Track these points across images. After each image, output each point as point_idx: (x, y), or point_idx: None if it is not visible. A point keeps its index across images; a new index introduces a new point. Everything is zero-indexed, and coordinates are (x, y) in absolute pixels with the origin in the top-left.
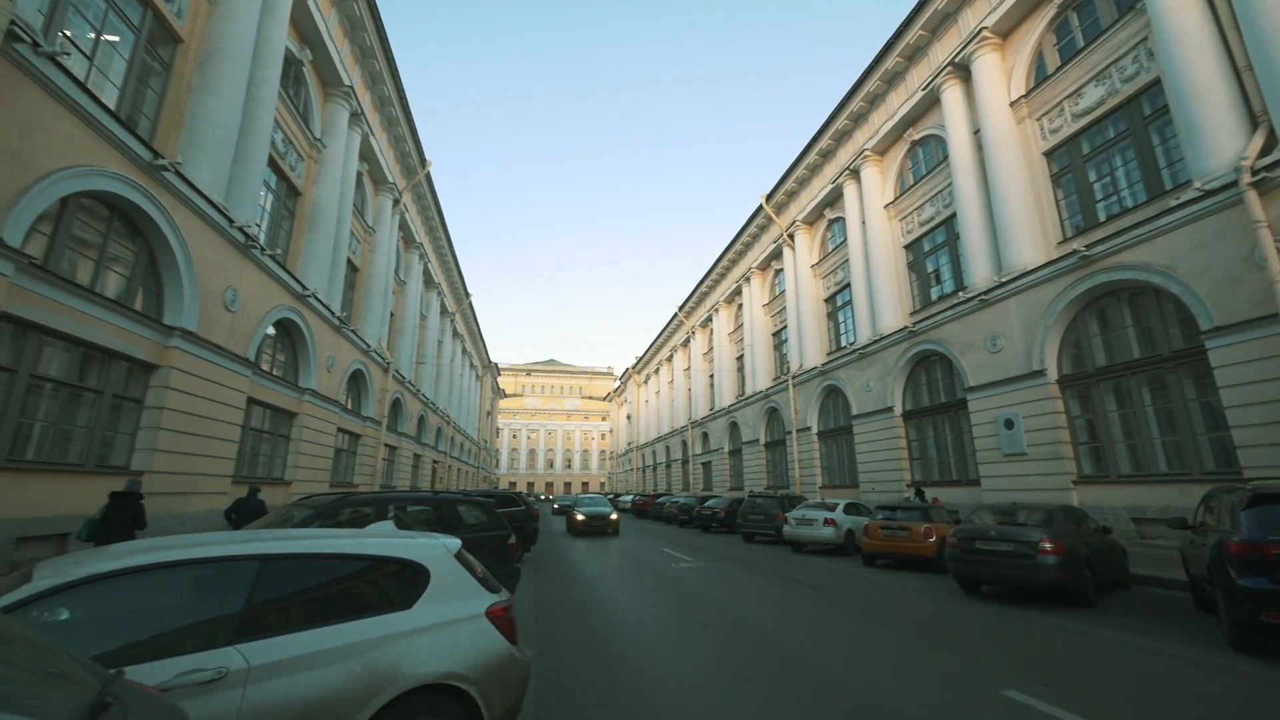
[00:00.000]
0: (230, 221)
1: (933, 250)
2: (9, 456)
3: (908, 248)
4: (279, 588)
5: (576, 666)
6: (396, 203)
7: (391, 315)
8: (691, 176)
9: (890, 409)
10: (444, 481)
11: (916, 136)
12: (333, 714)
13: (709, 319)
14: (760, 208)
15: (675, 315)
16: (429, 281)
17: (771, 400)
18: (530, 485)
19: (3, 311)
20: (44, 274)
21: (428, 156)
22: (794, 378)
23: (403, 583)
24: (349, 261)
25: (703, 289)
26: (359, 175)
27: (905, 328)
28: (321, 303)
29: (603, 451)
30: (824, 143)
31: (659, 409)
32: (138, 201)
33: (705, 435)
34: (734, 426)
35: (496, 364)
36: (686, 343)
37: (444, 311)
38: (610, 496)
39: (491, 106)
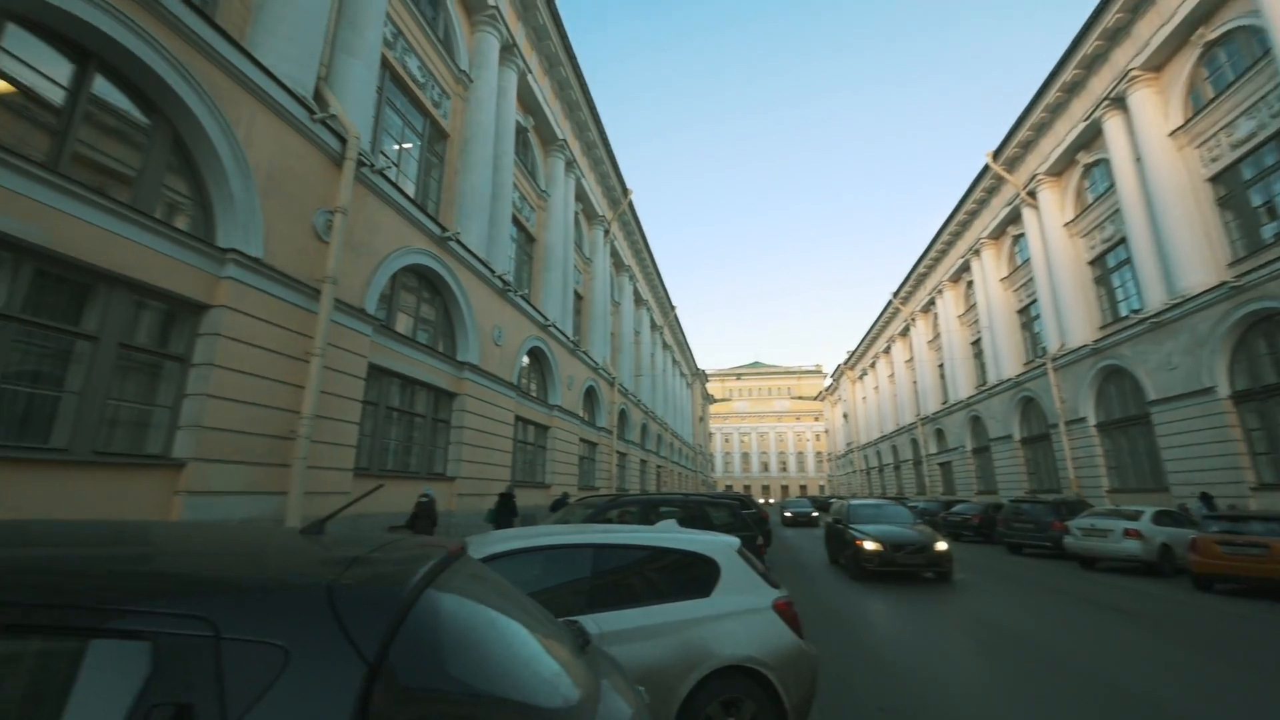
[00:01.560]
0: (492, 272)
1: (1259, 177)
2: (379, 467)
3: (1217, 179)
4: (608, 571)
5: (846, 671)
6: (606, 233)
7: (611, 335)
8: (889, 155)
9: (1210, 390)
10: (667, 484)
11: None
12: (660, 682)
13: (930, 303)
14: (985, 168)
15: (889, 303)
16: (639, 300)
17: (1025, 389)
18: (746, 488)
19: (370, 363)
20: (387, 331)
21: (628, 185)
22: (1054, 360)
23: (699, 574)
24: (575, 292)
25: (920, 271)
26: (575, 214)
27: (1223, 283)
28: (560, 331)
29: (818, 453)
30: (1069, 74)
31: (879, 405)
32: (436, 268)
33: (940, 432)
34: (976, 421)
35: (704, 371)
36: (905, 331)
37: (654, 326)
38: (829, 499)
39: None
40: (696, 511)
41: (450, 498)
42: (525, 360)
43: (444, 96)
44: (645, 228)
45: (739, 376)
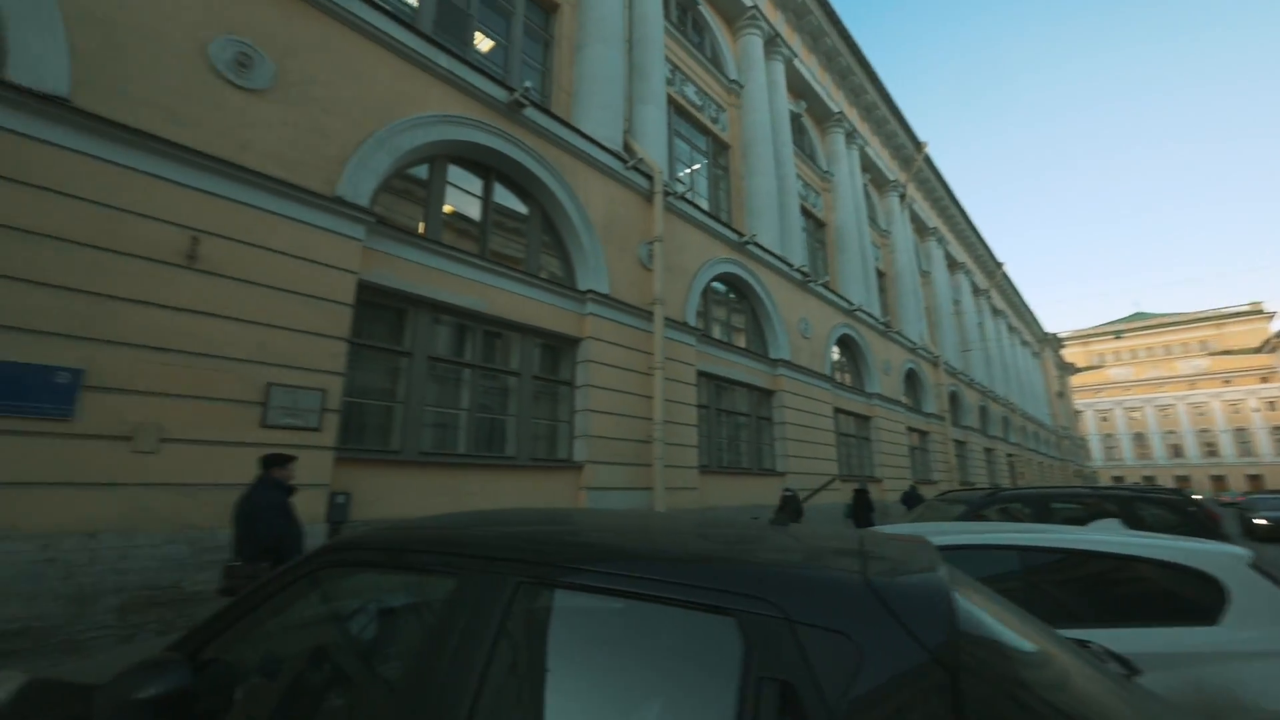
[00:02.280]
0: (790, 266)
1: None
2: (717, 464)
3: None
4: (1043, 580)
5: None
6: (902, 197)
7: (925, 310)
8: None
9: None
10: (1025, 476)
11: None
12: None
13: None
14: None
15: None
16: (952, 264)
17: None
18: (1146, 479)
19: (697, 370)
20: (707, 339)
21: (921, 137)
22: None
23: (1192, 594)
24: (876, 270)
25: None
26: (863, 187)
27: None
28: (866, 314)
29: (1278, 427)
30: None
31: None
32: (739, 273)
33: None
34: None
35: (1056, 335)
36: None
37: (976, 291)
38: None
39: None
40: (1119, 509)
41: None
42: (835, 350)
43: (720, 111)
44: (950, 182)
45: (1117, 335)
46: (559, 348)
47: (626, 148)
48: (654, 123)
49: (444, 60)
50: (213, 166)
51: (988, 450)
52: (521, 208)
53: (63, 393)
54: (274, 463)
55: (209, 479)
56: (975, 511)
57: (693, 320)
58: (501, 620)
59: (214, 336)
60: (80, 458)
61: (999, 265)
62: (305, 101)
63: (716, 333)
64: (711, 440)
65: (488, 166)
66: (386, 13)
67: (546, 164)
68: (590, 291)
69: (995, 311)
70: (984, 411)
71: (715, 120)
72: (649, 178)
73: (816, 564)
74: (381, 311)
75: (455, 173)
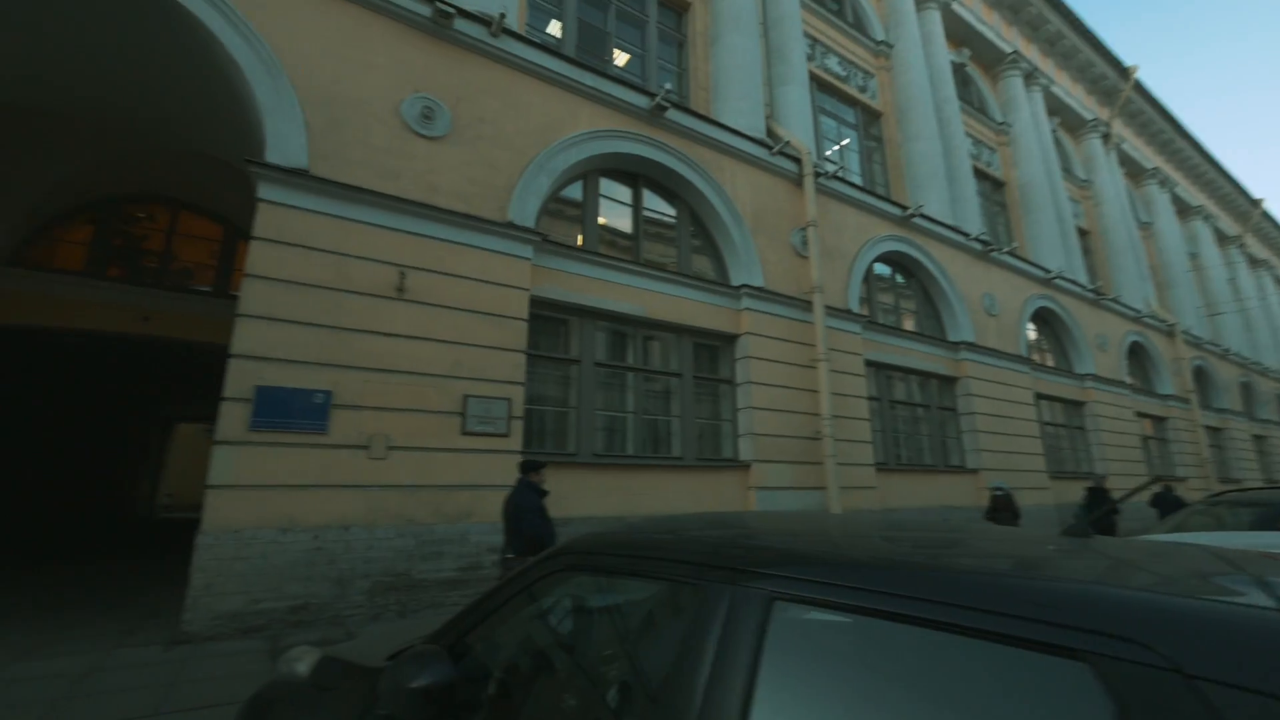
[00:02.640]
0: (965, 236)
1: None
2: (894, 461)
3: None
4: None
5: None
6: (1106, 138)
7: (1150, 269)
8: None
9: None
10: None
11: None
12: None
13: None
14: None
15: None
16: (1184, 209)
17: None
18: None
19: (865, 359)
20: (874, 326)
21: (1127, 62)
22: None
23: None
24: (1077, 229)
25: None
26: (1052, 133)
27: None
28: (1069, 280)
29: None
30: None
31: None
32: (905, 250)
33: None
34: None
35: None
36: None
37: (1222, 239)
38: None
39: None
40: None
41: (975, 492)
42: (1031, 327)
43: (867, 78)
44: (1173, 110)
45: None
46: (717, 346)
47: (770, 134)
48: (797, 103)
49: (589, 79)
50: (412, 210)
51: (1258, 438)
52: (670, 210)
53: (319, 411)
54: (530, 468)
55: (426, 480)
56: (1275, 517)
57: (856, 306)
58: (756, 642)
59: (421, 356)
60: (333, 464)
61: (1255, 203)
62: (476, 140)
63: (884, 317)
64: (886, 435)
65: (635, 174)
66: (537, 46)
67: (691, 162)
68: (744, 286)
69: (1254, 262)
70: (1247, 389)
71: (863, 89)
72: (796, 161)
73: (1212, 594)
74: (551, 323)
75: (606, 185)
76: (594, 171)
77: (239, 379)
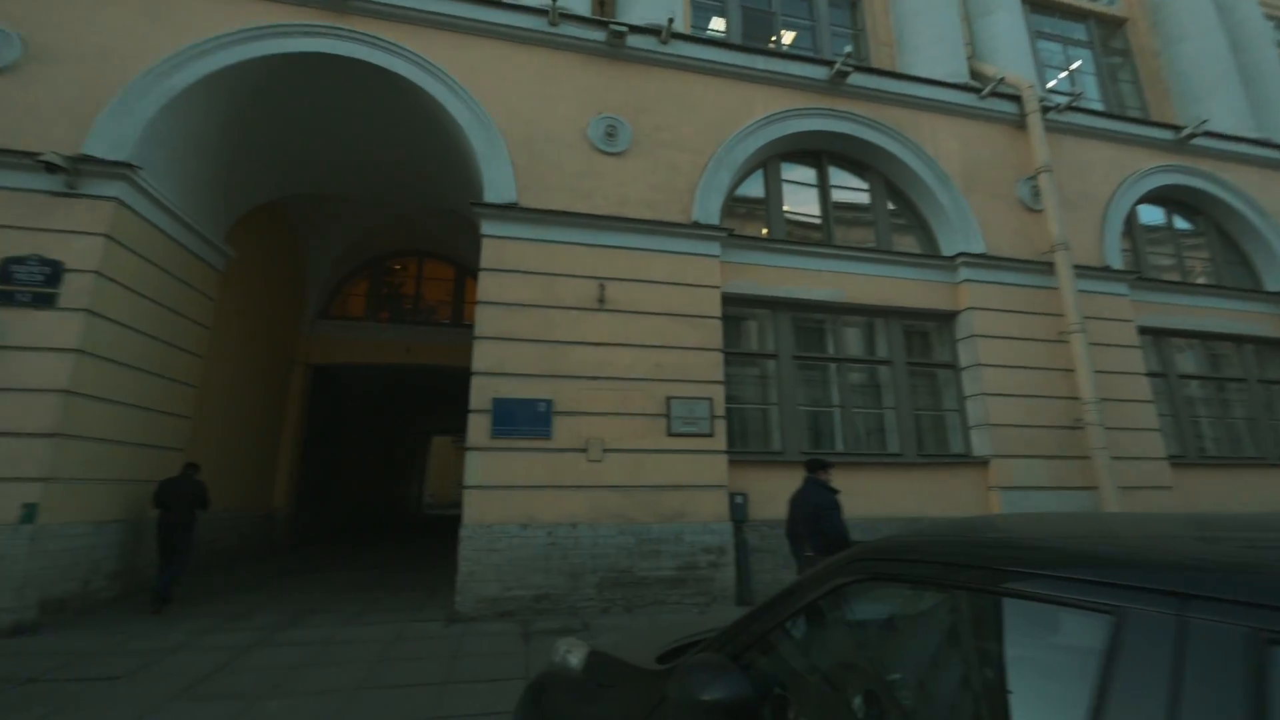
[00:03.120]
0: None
1: None
2: (1195, 452)
3: None
4: None
5: None
6: None
7: None
8: None
9: None
10: None
11: None
12: None
13: None
14: None
15: None
16: None
17: None
18: None
19: (1140, 326)
20: (1148, 282)
21: None
22: None
23: None
24: None
25: None
26: None
27: None
28: None
29: None
30: None
31: None
32: (1185, 182)
33: None
34: None
35: None
36: None
37: None
38: None
39: None
40: None
41: None
42: None
43: None
44: None
45: None
46: (930, 328)
47: (975, 76)
48: (1007, 32)
49: (761, 62)
50: (604, 224)
51: None
52: (861, 184)
53: (543, 418)
54: (817, 467)
55: (638, 481)
56: None
57: (1117, 262)
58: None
59: (624, 362)
60: (559, 466)
61: None
62: (657, 149)
63: (1161, 274)
64: (1180, 420)
65: (818, 153)
66: (705, 42)
67: (881, 126)
68: (961, 255)
69: None
70: None
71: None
72: (1014, 99)
73: None
74: (744, 320)
75: (788, 169)
76: (774, 158)
77: (480, 393)
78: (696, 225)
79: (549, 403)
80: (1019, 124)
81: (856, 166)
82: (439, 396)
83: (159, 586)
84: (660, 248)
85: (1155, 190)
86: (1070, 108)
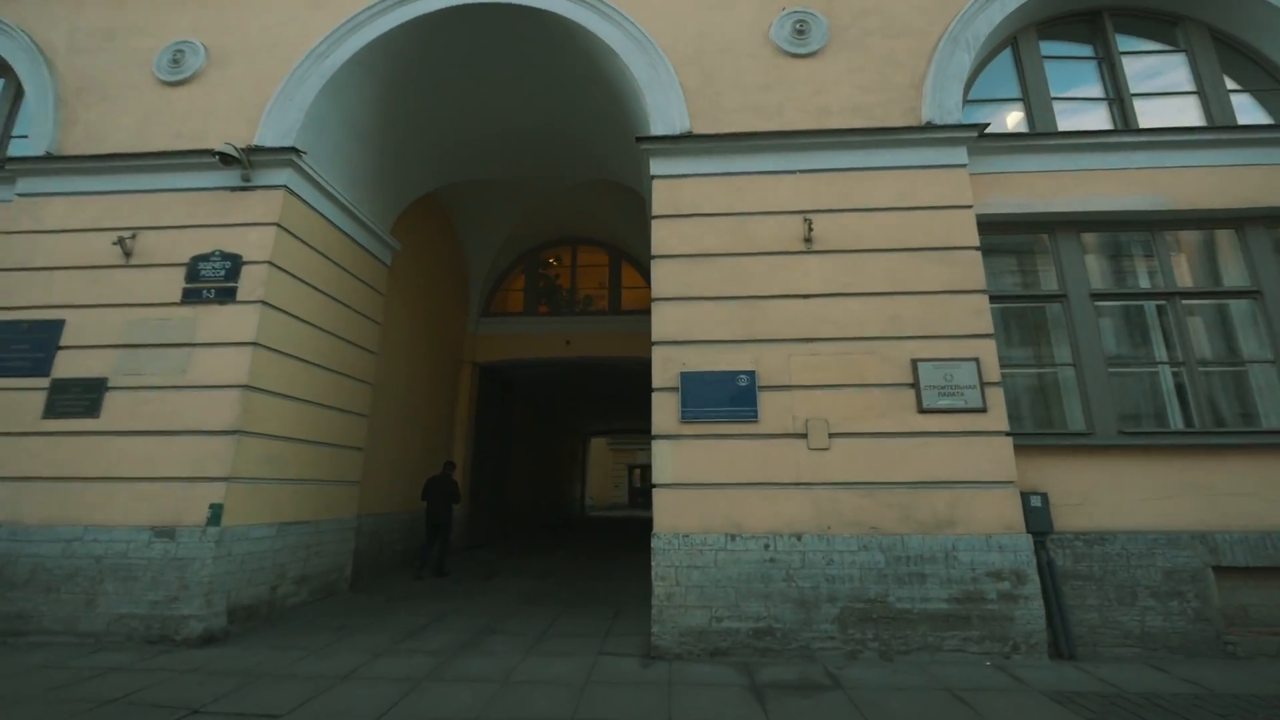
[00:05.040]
0: None
1: None
2: None
3: None
4: None
5: None
6: None
7: None
8: None
9: None
10: None
11: None
12: None
13: None
14: None
15: None
16: None
17: None
18: None
19: None
20: None
21: None
22: None
23: None
24: None
25: None
26: None
27: None
28: None
29: None
30: None
31: None
32: None
33: None
34: None
35: None
36: None
37: None
38: None
39: None
40: None
41: None
42: None
43: None
44: None
45: None
46: None
47: None
48: None
49: None
50: (803, 143)
51: None
52: (1168, 46)
53: (746, 395)
54: None
55: (882, 476)
56: None
57: None
58: None
59: (846, 317)
60: (771, 457)
61: None
62: (864, 38)
63: None
64: None
65: (1094, 12)
66: None
67: None
68: None
69: None
70: None
71: None
72: None
73: None
74: (1010, 251)
75: (1049, 47)
76: (1027, 29)
77: (664, 366)
78: (931, 127)
79: (751, 375)
80: None
81: (1158, 22)
82: (597, 396)
83: (429, 561)
84: (882, 164)
85: None
86: None
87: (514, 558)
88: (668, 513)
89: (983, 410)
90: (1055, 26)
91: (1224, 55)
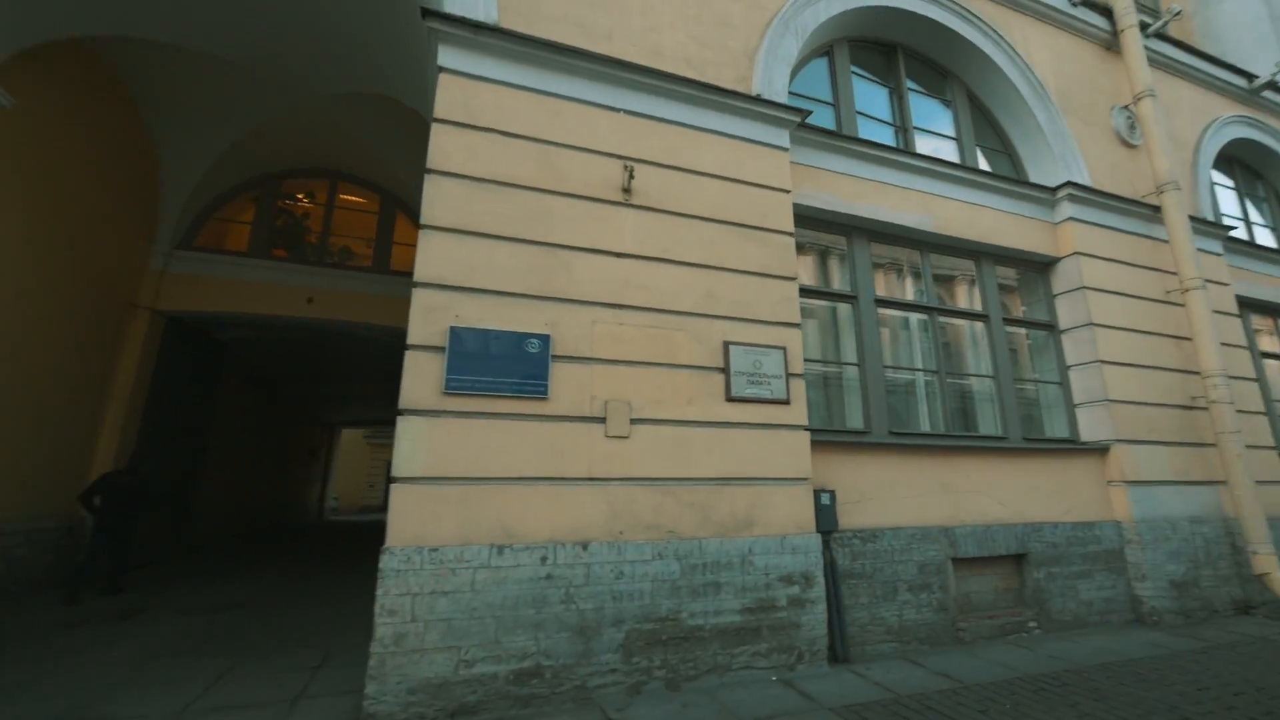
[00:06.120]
0: None
1: None
2: None
3: None
4: None
5: None
6: None
7: None
8: None
9: None
10: None
11: None
12: None
13: None
14: None
15: None
16: None
17: None
18: None
19: (1237, 296)
20: (1241, 245)
21: None
22: None
23: None
24: None
25: None
26: None
27: None
28: None
29: None
30: None
31: None
32: (1256, 138)
33: None
34: None
35: None
36: None
37: None
38: None
39: None
40: None
41: None
42: None
43: None
44: None
45: None
46: (1015, 281)
47: None
48: None
49: None
50: (631, 79)
51: None
52: (940, 94)
53: (535, 364)
54: None
55: (684, 471)
56: None
57: (1211, 214)
58: None
59: (661, 286)
60: (561, 445)
61: None
62: None
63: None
64: (1270, 403)
65: (892, 46)
66: None
67: (970, 17)
68: (1067, 185)
69: None
70: None
71: None
72: (1105, 13)
73: None
74: (810, 245)
75: (856, 56)
76: (841, 42)
77: (428, 318)
78: (761, 101)
79: (545, 340)
80: (1107, 44)
81: (936, 72)
82: (351, 376)
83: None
84: (711, 126)
85: (1230, 144)
86: (1162, 35)
87: (191, 582)
88: (411, 518)
89: (786, 402)
90: (862, 52)
91: (975, 113)
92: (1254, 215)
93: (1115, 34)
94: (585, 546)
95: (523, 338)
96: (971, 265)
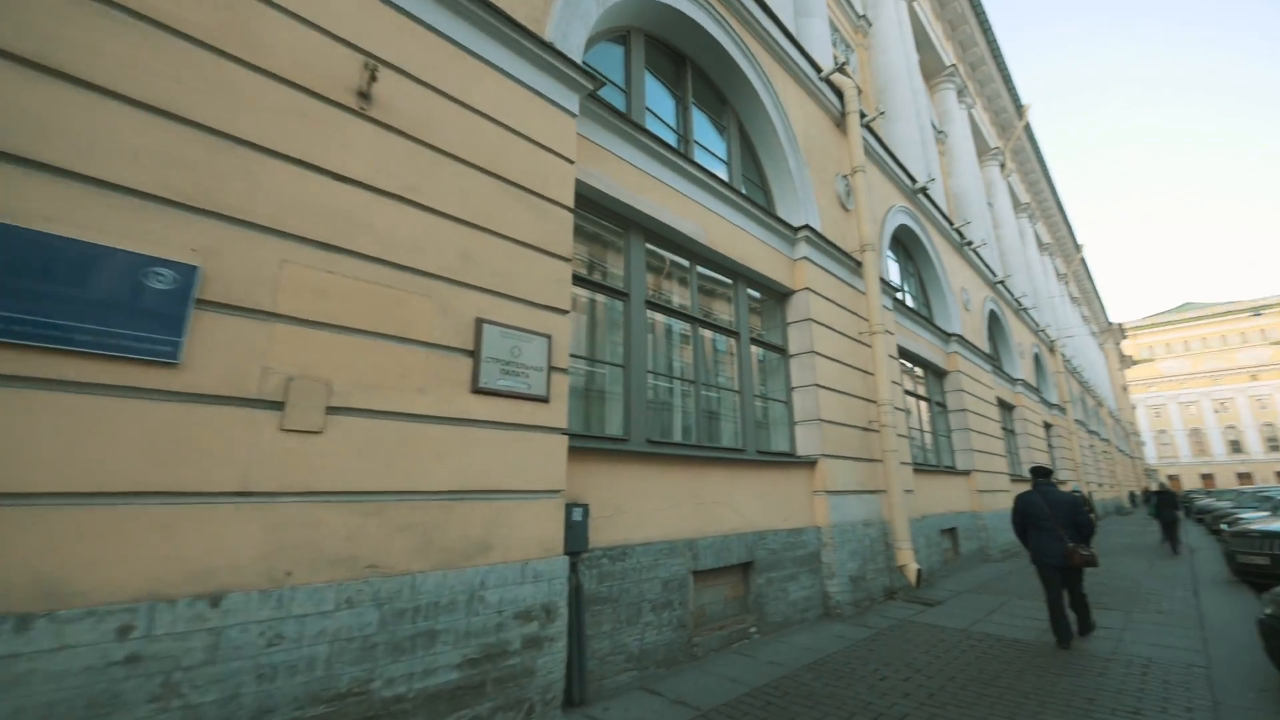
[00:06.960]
0: (950, 223)
1: None
2: (919, 461)
3: None
4: None
5: None
6: (1003, 166)
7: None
8: None
9: None
10: (1114, 475)
11: None
12: None
13: None
14: None
15: None
16: (1040, 244)
17: None
18: (1205, 479)
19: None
20: (900, 306)
21: (1023, 100)
22: None
23: None
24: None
25: None
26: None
27: None
28: (1007, 290)
29: None
30: None
31: None
32: (913, 226)
33: None
34: None
35: (1120, 325)
36: None
37: (1058, 275)
38: None
39: None
40: None
41: (970, 496)
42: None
43: (848, 50)
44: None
45: (1166, 326)
46: (759, 305)
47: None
48: (820, 38)
49: None
50: None
51: (1090, 447)
52: (717, 115)
53: (165, 309)
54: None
55: (405, 483)
56: None
57: (890, 277)
58: None
59: (400, 233)
60: (194, 439)
61: (1078, 249)
62: None
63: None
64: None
65: (683, 57)
66: None
67: (752, 58)
68: (806, 229)
69: (1073, 299)
70: (1084, 404)
71: (844, 61)
72: (839, 95)
73: None
74: (587, 233)
75: (653, 56)
76: (638, 31)
77: None
78: (553, 51)
79: (189, 273)
80: (838, 122)
81: (717, 98)
82: None
83: None
84: (492, 59)
85: (898, 227)
86: (869, 128)
87: None
88: None
89: (546, 400)
90: (657, 54)
91: (743, 145)
92: (905, 285)
93: (843, 114)
94: (216, 601)
95: (146, 261)
96: (730, 283)
